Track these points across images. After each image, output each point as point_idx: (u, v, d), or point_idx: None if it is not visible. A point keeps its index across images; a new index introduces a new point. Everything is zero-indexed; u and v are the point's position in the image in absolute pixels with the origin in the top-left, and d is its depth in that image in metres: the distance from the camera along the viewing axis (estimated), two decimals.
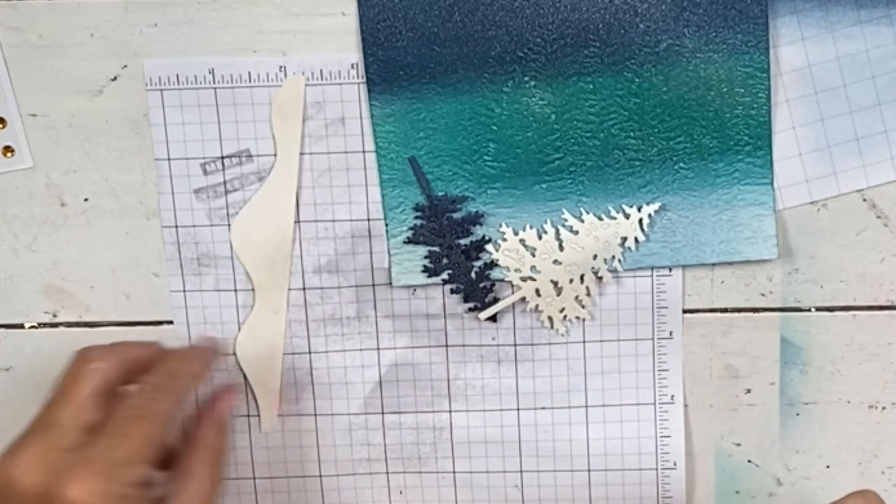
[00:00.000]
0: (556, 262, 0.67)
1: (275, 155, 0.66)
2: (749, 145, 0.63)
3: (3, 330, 0.69)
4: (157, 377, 0.59)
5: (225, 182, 0.67)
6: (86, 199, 0.67)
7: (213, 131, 0.66)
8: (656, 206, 0.65)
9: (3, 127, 0.66)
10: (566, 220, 0.66)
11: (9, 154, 0.66)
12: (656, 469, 0.70)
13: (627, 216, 0.66)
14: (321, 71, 0.65)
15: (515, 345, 0.69)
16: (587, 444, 0.70)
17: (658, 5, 0.62)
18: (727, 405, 0.69)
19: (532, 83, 0.63)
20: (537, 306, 0.68)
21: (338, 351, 0.69)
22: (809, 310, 0.68)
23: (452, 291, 0.68)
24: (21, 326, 0.69)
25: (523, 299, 0.68)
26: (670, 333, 0.68)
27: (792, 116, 0.65)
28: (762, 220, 0.65)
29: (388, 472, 0.71)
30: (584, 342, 0.68)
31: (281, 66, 0.65)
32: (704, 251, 0.65)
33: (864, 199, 0.66)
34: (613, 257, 0.67)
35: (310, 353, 0.69)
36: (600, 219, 0.66)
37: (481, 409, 0.70)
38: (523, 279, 0.67)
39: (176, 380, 0.60)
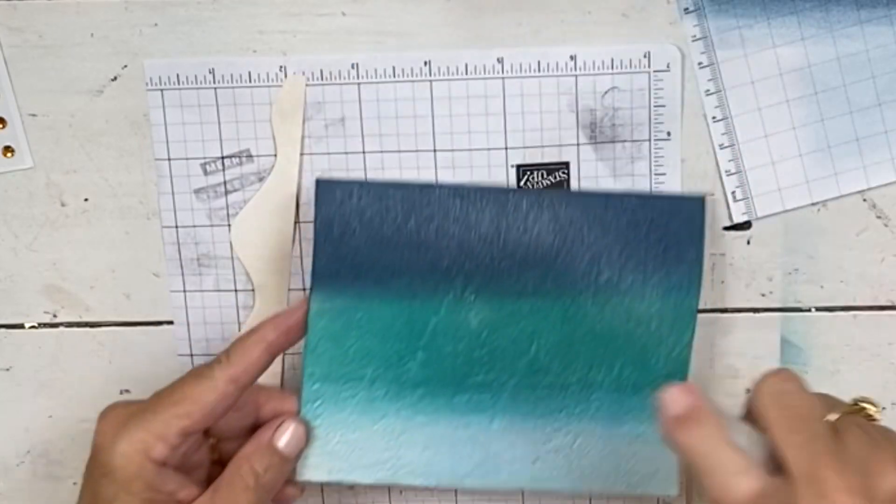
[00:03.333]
0: None
1: (275, 155, 0.66)
2: (666, 382, 0.59)
3: (3, 330, 0.69)
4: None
5: (225, 182, 0.67)
6: (86, 199, 0.67)
7: (214, 131, 0.66)
8: None
9: (3, 127, 0.66)
10: None
11: (9, 154, 0.67)
12: None
13: None
14: (321, 71, 0.65)
15: None
16: None
17: (604, 238, 0.62)
18: (727, 405, 0.69)
19: (473, 297, 0.62)
20: None
21: None
22: (809, 310, 0.68)
23: None
24: (21, 326, 0.69)
25: None
26: None
27: (792, 117, 0.65)
28: (667, 457, 0.63)
29: None
30: None
31: (281, 66, 0.65)
32: (606, 481, 0.64)
33: (865, 200, 0.66)
34: None
35: None
36: None
37: None
38: None
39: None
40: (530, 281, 0.62)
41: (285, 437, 0.60)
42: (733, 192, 0.66)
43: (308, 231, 0.66)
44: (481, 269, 0.62)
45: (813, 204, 0.66)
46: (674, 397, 0.52)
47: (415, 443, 0.63)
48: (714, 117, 0.65)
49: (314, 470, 0.63)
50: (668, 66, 0.65)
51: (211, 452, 0.63)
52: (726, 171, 0.66)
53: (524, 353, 0.62)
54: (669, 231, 0.62)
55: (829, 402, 0.53)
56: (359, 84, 0.65)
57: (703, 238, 0.62)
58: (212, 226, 0.67)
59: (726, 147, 0.65)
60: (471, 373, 0.63)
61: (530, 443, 0.63)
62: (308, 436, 0.62)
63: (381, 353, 0.62)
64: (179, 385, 0.58)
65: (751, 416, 0.52)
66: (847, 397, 0.68)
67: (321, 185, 0.61)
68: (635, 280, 0.62)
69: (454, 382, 0.63)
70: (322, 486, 0.71)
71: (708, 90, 0.65)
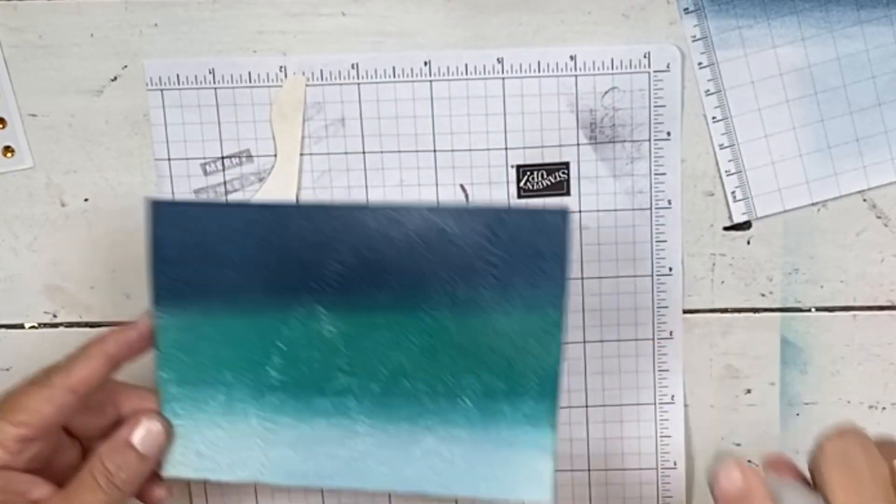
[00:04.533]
0: None
1: (275, 155, 0.66)
2: (535, 391, 0.60)
3: (3, 330, 0.69)
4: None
5: (225, 182, 0.67)
6: (86, 199, 0.67)
7: (214, 131, 0.66)
8: None
9: (3, 127, 0.66)
10: None
11: (9, 154, 0.67)
12: (656, 469, 0.70)
13: None
14: (321, 71, 0.65)
15: None
16: (587, 444, 0.70)
17: (459, 255, 0.59)
18: (727, 405, 0.69)
19: (323, 312, 0.60)
20: None
21: None
22: (809, 310, 0.68)
23: None
24: (21, 326, 0.69)
25: None
26: (670, 333, 0.68)
27: (792, 117, 0.65)
28: (540, 463, 0.61)
29: None
30: (584, 342, 0.68)
31: (281, 66, 0.65)
32: (479, 485, 0.62)
33: (865, 200, 0.66)
34: None
35: None
36: None
37: None
38: None
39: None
40: (383, 297, 0.60)
41: (141, 433, 0.59)
42: (733, 192, 0.66)
43: None
44: (329, 286, 0.60)
45: (813, 204, 0.66)
46: (729, 475, 0.51)
47: (280, 442, 0.62)
48: (714, 117, 0.65)
49: (179, 467, 0.62)
50: (668, 66, 0.65)
51: (84, 452, 0.62)
52: (726, 171, 0.66)
53: (385, 361, 0.61)
54: (531, 246, 0.59)
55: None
56: (359, 84, 0.65)
57: (566, 253, 0.59)
58: None
59: (726, 147, 0.65)
60: (331, 377, 0.61)
61: (398, 446, 0.62)
62: (168, 434, 0.61)
63: (236, 361, 0.61)
64: (18, 392, 0.58)
65: (812, 474, 0.51)
66: (847, 397, 0.68)
67: (155, 205, 0.60)
68: (495, 296, 0.60)
69: (315, 387, 0.62)
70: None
71: (708, 90, 0.65)
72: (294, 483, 0.62)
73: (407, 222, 0.59)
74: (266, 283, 0.60)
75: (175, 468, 0.62)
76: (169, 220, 0.60)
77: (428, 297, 0.60)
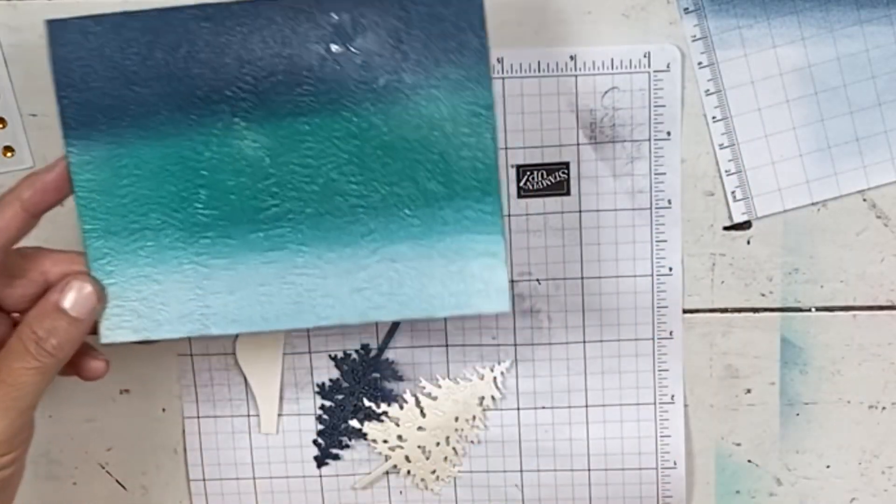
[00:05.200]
0: (420, 428, 0.70)
1: None
2: (477, 191, 0.58)
3: None
4: None
5: None
6: None
7: None
8: (507, 363, 0.68)
9: (3, 127, 0.66)
10: (424, 387, 0.69)
11: (9, 154, 0.66)
12: (656, 469, 0.70)
13: (482, 377, 0.69)
14: None
15: (515, 345, 0.69)
16: (587, 444, 0.70)
17: (375, 38, 0.57)
18: (727, 405, 0.69)
19: (243, 124, 0.58)
20: (409, 471, 0.71)
21: (339, 349, 0.69)
22: (809, 310, 0.68)
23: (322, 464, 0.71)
24: None
25: (395, 466, 0.71)
26: (670, 333, 0.68)
27: (792, 117, 0.65)
28: (493, 271, 0.59)
29: (387, 472, 0.71)
30: (584, 342, 0.69)
31: None
32: (433, 304, 0.59)
33: (865, 200, 0.66)
34: (475, 417, 0.70)
35: (310, 352, 0.69)
36: (457, 382, 0.69)
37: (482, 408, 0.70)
38: (392, 448, 0.70)
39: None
40: (301, 98, 0.57)
41: (70, 296, 0.57)
42: (733, 192, 0.66)
43: None
44: (243, 92, 0.57)
45: (813, 204, 0.66)
46: None
47: (219, 289, 0.59)
48: (714, 117, 0.65)
49: (117, 331, 0.60)
50: (668, 66, 0.65)
51: (13, 327, 0.59)
52: (726, 171, 0.66)
53: (315, 176, 0.58)
54: (445, 20, 0.56)
55: None
56: None
57: (484, 22, 0.56)
58: None
59: (726, 147, 0.65)
60: (261, 206, 0.59)
61: (343, 273, 0.59)
62: (100, 295, 0.58)
63: (160, 198, 0.58)
64: None
65: None
66: (847, 397, 0.68)
67: (52, 24, 0.56)
68: (417, 80, 0.57)
69: (246, 219, 0.59)
70: (321, 481, 0.71)
71: (708, 90, 0.65)
72: (240, 330, 0.60)
73: (316, 12, 0.57)
74: (177, 97, 0.57)
75: (113, 333, 0.60)
76: (68, 39, 0.57)
77: (349, 91, 0.57)
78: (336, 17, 0.57)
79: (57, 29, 0.57)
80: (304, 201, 0.59)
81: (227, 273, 0.59)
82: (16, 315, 0.59)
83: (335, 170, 0.58)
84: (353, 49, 0.57)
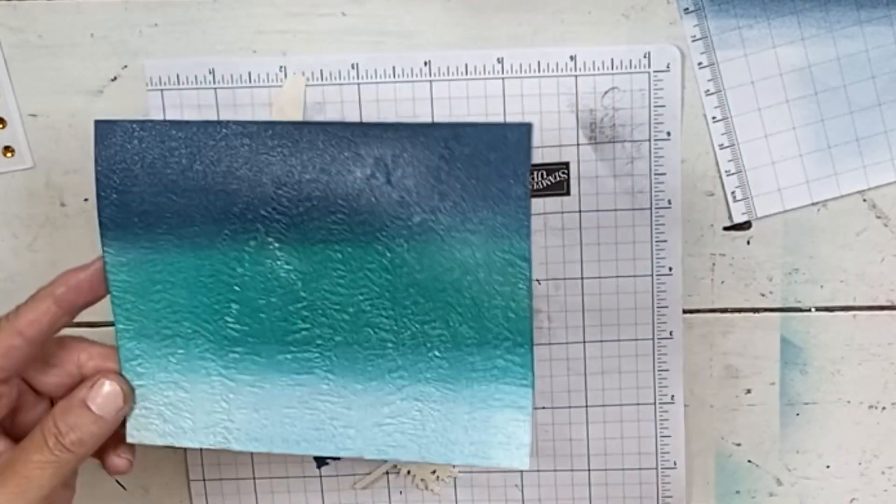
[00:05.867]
0: None
1: None
2: (509, 341, 0.57)
3: None
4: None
5: None
6: (86, 200, 0.67)
7: None
8: None
9: (3, 127, 0.66)
10: None
11: (9, 154, 0.67)
12: (656, 469, 0.70)
13: None
14: (321, 71, 0.65)
15: None
16: (587, 444, 0.70)
17: (415, 175, 0.56)
18: (727, 405, 0.69)
19: (276, 245, 0.58)
20: (409, 471, 0.71)
21: None
22: (809, 310, 0.68)
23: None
24: None
25: (395, 466, 0.71)
26: (670, 333, 0.68)
27: (792, 117, 0.65)
28: (517, 425, 0.58)
29: (387, 472, 0.71)
30: (584, 342, 0.69)
31: (281, 66, 0.65)
32: (453, 450, 0.59)
33: (864, 200, 0.66)
34: None
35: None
36: None
37: None
38: None
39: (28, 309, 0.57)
40: (335, 226, 0.57)
41: (97, 394, 0.57)
42: (733, 192, 0.66)
43: None
44: (278, 213, 0.57)
45: (813, 204, 0.66)
46: None
47: (244, 405, 0.60)
48: (714, 117, 0.65)
49: (143, 432, 0.60)
50: (668, 66, 0.65)
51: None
52: (726, 171, 0.66)
53: (346, 304, 0.58)
54: (489, 165, 0.55)
55: None
56: (359, 84, 0.65)
57: (528, 171, 0.55)
58: None
59: (726, 147, 0.65)
60: (291, 328, 0.58)
61: (367, 406, 0.59)
62: (127, 396, 0.59)
63: (192, 307, 0.59)
64: None
65: None
66: (847, 397, 0.68)
67: (100, 125, 0.57)
68: (453, 221, 0.56)
69: (275, 338, 0.59)
70: (321, 481, 0.71)
71: (708, 90, 0.65)
72: (260, 450, 0.60)
73: (359, 142, 0.56)
74: (213, 210, 0.57)
75: (139, 434, 0.60)
76: (113, 140, 0.57)
77: (383, 225, 0.57)
78: (378, 151, 0.56)
79: (104, 129, 0.57)
80: (334, 329, 0.58)
81: (253, 390, 0.60)
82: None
83: (366, 301, 0.58)
84: (391, 183, 0.56)
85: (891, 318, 0.68)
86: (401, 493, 0.71)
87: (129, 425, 0.60)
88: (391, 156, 0.56)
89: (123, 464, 0.61)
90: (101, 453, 0.61)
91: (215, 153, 0.57)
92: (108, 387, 0.58)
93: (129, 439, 0.60)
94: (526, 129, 0.55)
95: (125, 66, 0.65)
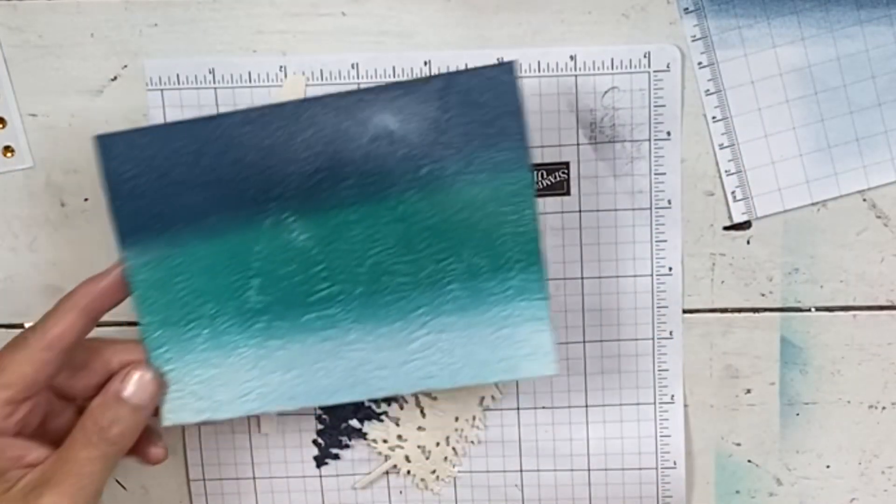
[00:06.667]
0: (420, 428, 0.70)
1: None
2: (521, 262, 0.60)
3: (3, 330, 0.69)
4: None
5: None
6: (86, 199, 0.67)
7: None
8: None
9: (3, 127, 0.66)
10: None
11: (9, 154, 0.66)
12: (656, 469, 0.70)
13: None
14: (321, 71, 0.65)
15: None
16: (587, 444, 0.70)
17: (416, 130, 0.59)
18: (727, 405, 0.69)
19: (292, 219, 0.60)
20: (409, 471, 0.70)
21: None
22: (809, 310, 0.68)
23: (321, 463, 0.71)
24: (21, 326, 0.69)
25: (395, 466, 0.70)
26: (670, 333, 0.68)
27: (792, 117, 0.65)
28: (540, 335, 0.61)
29: (387, 472, 0.71)
30: (584, 342, 0.68)
31: (281, 66, 0.65)
32: (483, 370, 0.62)
33: (864, 199, 0.66)
34: (475, 417, 0.69)
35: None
36: None
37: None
38: (391, 448, 0.70)
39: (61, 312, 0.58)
40: (347, 190, 0.60)
41: (131, 385, 0.59)
42: (733, 192, 0.66)
43: None
44: (291, 190, 0.59)
45: (813, 204, 0.66)
46: None
47: (275, 368, 0.61)
48: (714, 117, 0.65)
49: (178, 413, 0.62)
50: (668, 66, 0.65)
51: (79, 415, 0.61)
52: (726, 171, 0.66)
53: (363, 259, 0.60)
54: (484, 107, 0.59)
55: None
56: (359, 84, 0.65)
57: (521, 107, 0.58)
58: None
59: (726, 147, 0.65)
60: (313, 290, 0.61)
61: (394, 346, 0.61)
62: (159, 381, 0.60)
63: (214, 289, 0.61)
64: None
65: None
66: (847, 397, 0.68)
67: (100, 140, 0.59)
68: (458, 167, 0.59)
69: (298, 302, 0.61)
70: (321, 482, 0.71)
71: (708, 90, 0.65)
72: (297, 405, 0.62)
73: (357, 109, 0.59)
74: (227, 199, 0.59)
75: (175, 415, 0.62)
76: (117, 152, 0.59)
77: (393, 182, 0.59)
78: (378, 114, 0.59)
79: (105, 143, 0.59)
80: (354, 283, 0.61)
81: (282, 353, 0.61)
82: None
83: (383, 252, 0.60)
84: (395, 142, 0.59)
85: (891, 318, 0.68)
86: (401, 493, 0.71)
87: (164, 409, 0.61)
88: (391, 116, 0.59)
89: (161, 452, 0.64)
90: (135, 448, 0.62)
91: (220, 146, 0.59)
92: (138, 376, 0.59)
93: (164, 423, 0.62)
94: (510, 66, 0.58)
95: (125, 66, 0.65)
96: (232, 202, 0.59)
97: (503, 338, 0.61)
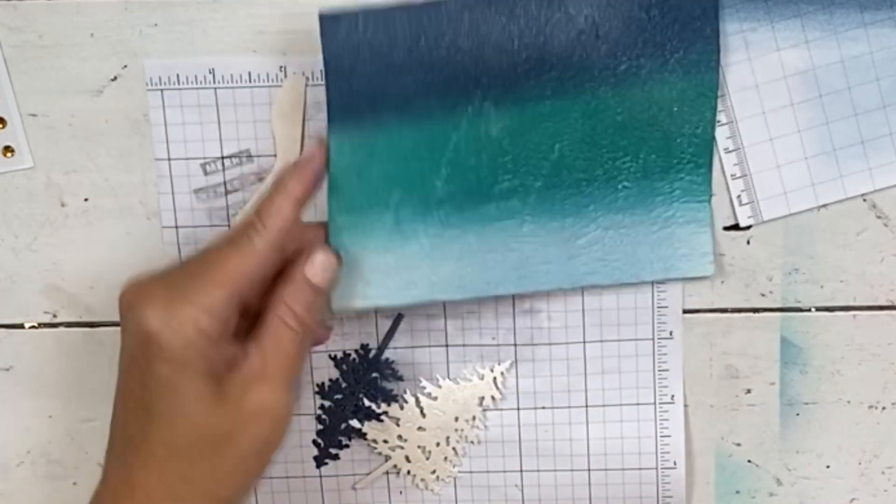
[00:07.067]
0: (420, 428, 0.70)
1: (275, 155, 0.66)
2: (691, 163, 0.64)
3: (3, 330, 0.69)
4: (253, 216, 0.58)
5: (225, 182, 0.67)
6: (86, 199, 0.67)
7: (214, 131, 0.66)
8: (507, 363, 0.68)
9: (3, 127, 0.66)
10: (424, 387, 0.69)
11: (9, 154, 0.66)
12: (656, 469, 0.70)
13: (482, 377, 0.69)
14: (321, 71, 0.65)
15: (515, 345, 0.69)
16: (587, 444, 0.70)
17: (620, 27, 0.61)
18: (727, 405, 0.69)
19: (492, 107, 0.62)
20: (409, 471, 0.71)
21: (339, 349, 0.69)
22: (809, 310, 0.68)
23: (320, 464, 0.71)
24: (21, 326, 0.69)
25: (395, 466, 0.70)
26: (670, 333, 0.68)
27: (797, 120, 0.65)
28: (699, 237, 0.65)
29: (387, 472, 0.71)
30: (584, 342, 0.69)
31: (281, 66, 0.65)
32: (642, 269, 0.65)
33: (865, 200, 0.66)
34: (475, 417, 0.70)
35: (309, 352, 0.69)
36: (457, 382, 0.69)
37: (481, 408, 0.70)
38: (392, 448, 0.70)
39: (270, 215, 0.58)
40: (549, 82, 0.62)
41: (316, 267, 0.59)
42: (739, 196, 0.66)
43: None
44: (498, 78, 0.61)
45: (818, 207, 0.66)
46: None
47: (447, 258, 0.64)
48: (719, 121, 0.65)
49: (348, 299, 0.64)
50: None
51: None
52: (731, 175, 0.66)
53: (548, 154, 0.63)
54: (683, 10, 0.61)
55: None
56: None
57: (717, 12, 0.62)
58: (212, 226, 0.67)
59: (731, 151, 0.65)
60: (496, 181, 0.63)
61: (562, 241, 0.64)
62: (338, 264, 0.61)
63: (405, 176, 0.63)
64: (217, 257, 0.56)
65: None
66: (847, 397, 0.69)
67: (324, 19, 0.60)
68: (654, 65, 0.62)
69: (480, 192, 0.63)
70: (321, 481, 0.71)
71: None
72: (464, 296, 0.64)
73: (570, 3, 0.61)
74: (437, 84, 0.61)
75: (343, 301, 0.64)
76: (338, 33, 0.60)
77: (592, 76, 0.62)
78: (587, 9, 0.61)
79: (328, 23, 0.60)
80: (535, 175, 0.63)
81: (456, 242, 0.64)
82: None
83: (567, 147, 0.63)
84: (599, 37, 0.61)
85: (891, 318, 0.68)
86: (401, 493, 0.71)
87: (334, 295, 0.63)
88: (598, 13, 0.61)
89: (327, 333, 0.67)
90: None
91: (439, 29, 0.61)
92: (323, 259, 0.59)
93: (333, 308, 0.63)
94: None
95: (125, 66, 0.65)
96: (440, 87, 0.61)
97: (664, 238, 0.64)
